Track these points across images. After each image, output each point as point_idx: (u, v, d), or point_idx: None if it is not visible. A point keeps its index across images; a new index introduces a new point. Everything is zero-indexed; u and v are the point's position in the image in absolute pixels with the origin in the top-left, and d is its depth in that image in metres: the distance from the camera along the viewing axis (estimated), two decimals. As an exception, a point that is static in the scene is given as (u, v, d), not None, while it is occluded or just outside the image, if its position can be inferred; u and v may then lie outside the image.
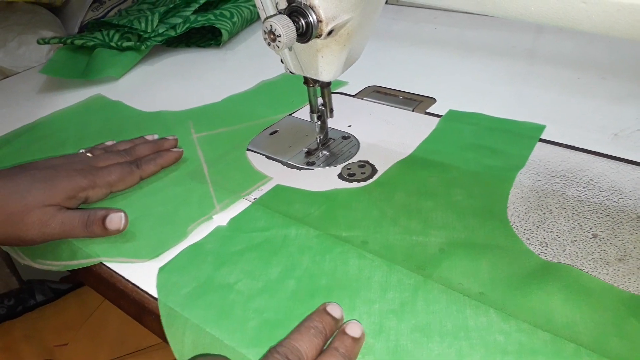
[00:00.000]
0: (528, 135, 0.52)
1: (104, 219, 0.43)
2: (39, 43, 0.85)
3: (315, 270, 0.39)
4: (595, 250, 0.38)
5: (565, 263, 0.37)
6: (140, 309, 0.39)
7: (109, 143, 0.54)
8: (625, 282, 0.35)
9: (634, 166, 0.46)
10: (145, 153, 0.52)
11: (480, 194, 0.44)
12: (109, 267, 0.42)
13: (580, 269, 0.36)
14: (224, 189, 0.49)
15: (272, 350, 0.31)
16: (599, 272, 0.36)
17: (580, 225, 0.40)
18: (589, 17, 0.28)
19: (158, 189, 0.50)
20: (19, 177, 0.43)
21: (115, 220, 0.43)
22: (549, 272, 0.36)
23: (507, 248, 0.39)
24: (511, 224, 0.41)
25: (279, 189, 0.48)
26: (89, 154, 0.50)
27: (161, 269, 0.41)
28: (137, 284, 0.40)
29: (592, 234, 0.40)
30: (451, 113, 0.57)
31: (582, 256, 0.38)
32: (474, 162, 0.49)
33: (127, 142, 0.55)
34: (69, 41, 0.82)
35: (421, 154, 0.51)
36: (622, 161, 0.47)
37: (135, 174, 0.49)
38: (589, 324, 0.32)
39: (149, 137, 0.56)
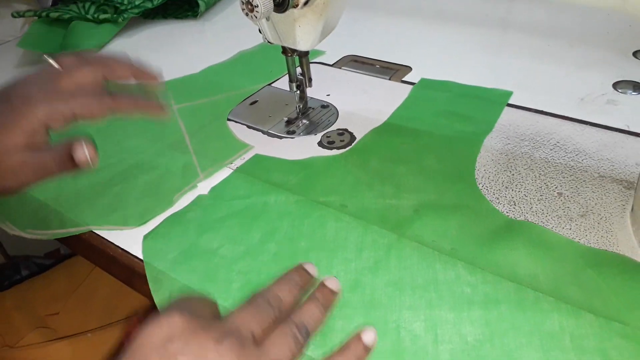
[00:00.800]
0: (496, 101, 0.54)
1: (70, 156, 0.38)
2: (13, 16, 0.84)
3: (295, 234, 0.41)
4: (559, 207, 0.41)
5: (530, 221, 0.40)
6: (130, 273, 0.41)
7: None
8: (586, 235, 0.38)
9: (598, 129, 0.49)
10: (123, 76, 0.44)
11: (450, 158, 0.47)
12: (98, 235, 0.43)
13: (544, 226, 0.39)
14: (206, 158, 0.50)
15: (254, 295, 0.32)
16: (563, 228, 0.39)
17: (547, 185, 0.43)
18: (549, -15, 0.30)
19: (142, 160, 0.51)
20: None
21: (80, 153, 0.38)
22: (513, 229, 0.38)
23: (474, 208, 0.41)
24: (479, 186, 0.43)
25: (259, 158, 0.50)
26: (56, 65, 0.42)
27: (145, 237, 0.42)
28: (127, 249, 0.41)
29: (557, 193, 0.42)
30: (423, 81, 0.59)
31: (547, 213, 0.40)
32: (445, 128, 0.51)
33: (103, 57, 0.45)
34: (44, 14, 0.81)
35: (395, 121, 0.53)
36: (587, 124, 0.49)
37: (105, 105, 0.40)
38: (549, 275, 0.35)
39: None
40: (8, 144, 0.37)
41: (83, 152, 0.38)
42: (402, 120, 0.53)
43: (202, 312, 0.30)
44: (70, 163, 0.38)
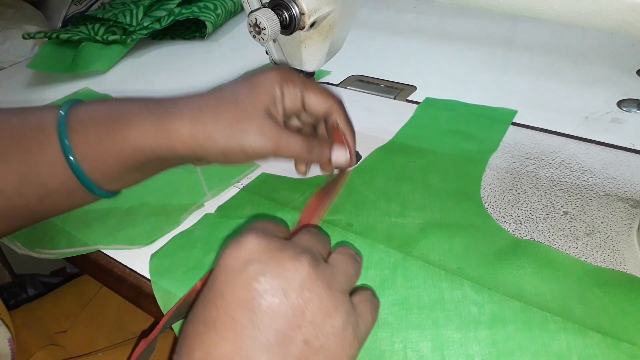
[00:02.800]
0: (501, 119, 0.54)
1: (329, 157, 0.43)
2: (24, 38, 0.86)
3: None
4: (566, 226, 0.41)
5: (536, 240, 0.40)
6: (137, 292, 0.41)
7: None
8: (593, 254, 0.38)
9: (603, 147, 0.49)
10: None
11: (455, 176, 0.47)
12: (106, 255, 0.44)
13: (551, 245, 0.39)
14: (213, 177, 0.51)
15: (305, 230, 0.33)
16: (569, 247, 0.39)
17: (552, 204, 0.43)
18: (552, 7, 0.31)
19: (150, 179, 0.52)
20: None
21: (342, 158, 0.43)
22: (519, 248, 0.38)
23: (480, 226, 0.41)
24: (485, 204, 0.43)
25: (265, 176, 0.50)
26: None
27: (153, 256, 0.42)
28: (134, 268, 0.42)
29: (563, 211, 0.42)
30: (428, 100, 0.60)
31: (553, 232, 0.40)
32: (449, 147, 0.51)
33: None
34: (54, 35, 0.83)
35: (400, 140, 0.53)
36: (592, 143, 0.50)
37: (331, 106, 0.42)
38: (556, 294, 0.35)
39: None
40: (256, 102, 0.39)
41: (343, 157, 0.43)
42: (407, 139, 0.53)
43: (275, 233, 0.31)
44: (323, 159, 0.42)
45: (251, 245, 0.29)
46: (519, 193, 0.44)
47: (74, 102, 0.41)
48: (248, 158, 0.40)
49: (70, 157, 0.38)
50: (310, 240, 0.32)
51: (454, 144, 0.51)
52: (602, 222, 0.40)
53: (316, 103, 0.41)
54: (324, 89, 0.42)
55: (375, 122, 0.57)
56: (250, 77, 0.41)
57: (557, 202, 0.43)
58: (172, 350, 0.29)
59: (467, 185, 0.46)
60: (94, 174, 0.39)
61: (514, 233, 0.40)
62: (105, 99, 0.42)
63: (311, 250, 0.30)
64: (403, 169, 0.49)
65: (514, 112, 0.55)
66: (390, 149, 0.52)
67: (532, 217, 0.42)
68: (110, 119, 0.39)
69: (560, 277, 0.36)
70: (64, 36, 0.82)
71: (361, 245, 0.41)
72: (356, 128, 0.56)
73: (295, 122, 0.45)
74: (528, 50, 0.70)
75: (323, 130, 0.45)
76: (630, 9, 0.29)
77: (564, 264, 0.37)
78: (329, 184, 0.43)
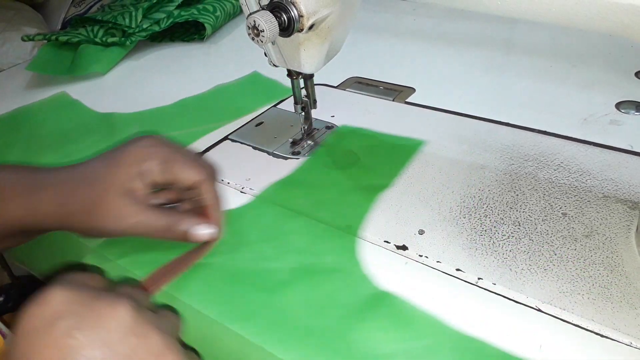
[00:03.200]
0: (406, 150, 0.52)
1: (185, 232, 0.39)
2: (23, 40, 0.86)
3: None
4: (564, 227, 0.41)
5: (535, 241, 0.40)
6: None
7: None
8: (591, 256, 0.38)
9: (602, 149, 0.49)
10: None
11: (343, 214, 0.45)
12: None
13: (549, 245, 0.39)
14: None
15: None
16: (567, 248, 0.39)
17: (551, 205, 0.43)
18: (549, 10, 0.31)
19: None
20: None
21: (202, 233, 0.40)
22: (379, 301, 0.37)
23: (347, 274, 0.39)
24: (483, 206, 0.43)
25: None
26: None
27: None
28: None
29: (562, 213, 0.42)
30: (342, 128, 0.57)
31: (552, 234, 0.40)
32: (346, 181, 0.48)
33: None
34: (53, 37, 0.83)
35: (297, 175, 0.51)
36: (590, 144, 0.50)
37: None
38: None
39: None
40: (112, 182, 0.38)
41: (202, 233, 0.39)
42: (305, 172, 0.51)
43: (86, 283, 0.29)
44: (181, 236, 0.39)
45: (58, 299, 0.26)
46: (517, 195, 0.44)
47: None
48: (108, 236, 0.40)
49: None
50: (130, 289, 0.30)
51: (352, 176, 0.49)
52: (600, 224, 0.41)
53: (183, 176, 0.40)
54: (193, 161, 0.40)
55: (374, 124, 0.57)
56: (115, 152, 0.40)
57: (555, 204, 0.43)
58: None
59: (351, 223, 0.44)
60: None
61: (512, 235, 0.40)
62: None
63: (132, 296, 0.28)
64: (295, 204, 0.47)
65: (420, 142, 0.52)
66: (287, 184, 0.50)
67: (531, 218, 0.42)
68: None
69: (413, 337, 0.34)
70: (63, 38, 0.82)
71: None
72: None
73: (166, 194, 0.43)
74: (526, 52, 0.70)
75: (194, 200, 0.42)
76: (627, 12, 0.29)
77: (424, 324, 0.35)
78: (188, 253, 0.41)
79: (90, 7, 1.08)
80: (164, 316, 0.30)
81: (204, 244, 0.41)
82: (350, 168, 0.50)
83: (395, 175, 0.48)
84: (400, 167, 0.49)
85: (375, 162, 0.51)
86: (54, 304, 0.25)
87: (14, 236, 0.41)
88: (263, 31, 0.40)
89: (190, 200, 0.42)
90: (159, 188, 0.41)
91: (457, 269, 0.38)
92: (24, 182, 0.40)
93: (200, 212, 0.41)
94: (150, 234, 0.39)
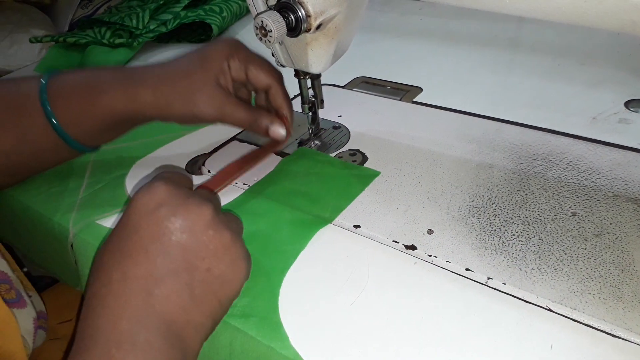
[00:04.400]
0: (359, 182, 0.49)
1: (267, 128, 0.47)
2: (31, 41, 0.86)
3: None
4: (574, 227, 0.40)
5: (545, 241, 0.39)
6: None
7: None
8: (602, 255, 0.38)
9: (611, 148, 0.48)
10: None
11: (272, 251, 0.43)
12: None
13: (559, 245, 0.39)
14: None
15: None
16: (578, 248, 0.38)
17: (561, 205, 0.43)
18: (558, 7, 0.31)
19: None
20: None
21: (278, 131, 0.47)
22: None
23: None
24: (492, 205, 0.43)
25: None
26: None
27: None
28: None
29: (572, 212, 0.42)
30: (301, 150, 0.54)
31: (562, 233, 0.40)
32: (289, 211, 0.46)
33: None
34: (61, 39, 0.83)
35: (246, 200, 0.49)
36: (599, 143, 0.49)
37: (271, 79, 0.48)
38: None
39: None
40: (205, 74, 0.45)
41: (279, 131, 0.47)
42: (254, 197, 0.49)
43: (181, 183, 0.36)
44: (262, 130, 0.47)
45: (162, 191, 0.33)
46: (526, 194, 0.44)
47: (53, 72, 0.48)
48: (200, 121, 0.46)
49: (54, 120, 0.46)
50: (208, 193, 0.38)
51: (297, 206, 0.47)
52: (610, 223, 0.40)
53: (258, 77, 0.47)
54: (267, 64, 0.48)
55: (382, 124, 0.57)
56: (201, 50, 0.47)
57: (565, 203, 0.43)
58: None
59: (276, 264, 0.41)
60: (75, 134, 0.48)
61: (522, 234, 0.40)
62: (78, 70, 0.50)
63: (212, 200, 0.36)
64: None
65: (376, 174, 0.49)
66: (236, 206, 0.48)
67: (540, 218, 0.42)
68: (86, 88, 0.46)
69: None
70: (70, 40, 0.83)
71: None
72: (362, 129, 0.56)
73: (246, 92, 0.51)
74: (534, 51, 0.70)
75: (262, 100, 0.50)
76: (637, 9, 0.29)
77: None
78: (256, 151, 0.49)
79: (98, 9, 1.08)
80: (232, 218, 0.37)
81: (269, 145, 0.49)
82: (295, 197, 0.48)
83: (341, 208, 0.45)
84: (346, 203, 0.46)
85: (323, 192, 0.48)
86: (158, 193, 0.33)
87: (116, 127, 0.49)
88: (271, 31, 0.40)
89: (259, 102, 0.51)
90: (237, 85, 0.48)
91: (467, 269, 0.38)
92: (122, 77, 0.46)
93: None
94: (236, 123, 0.46)
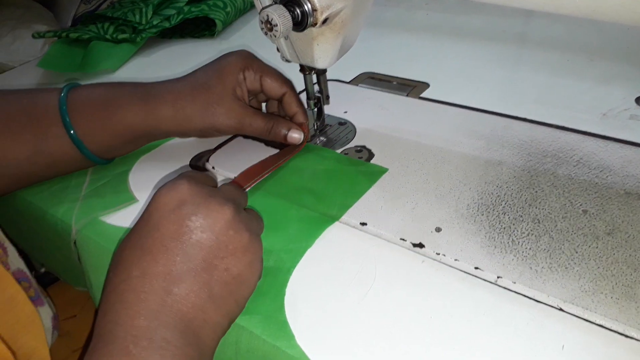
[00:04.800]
0: (366, 179, 0.48)
1: (285, 135, 0.50)
2: (34, 37, 0.86)
3: None
4: (585, 225, 0.40)
5: (555, 239, 0.39)
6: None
7: None
8: (614, 254, 0.37)
9: (622, 144, 0.48)
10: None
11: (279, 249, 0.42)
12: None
13: (570, 244, 0.38)
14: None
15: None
16: (589, 246, 0.38)
17: (571, 202, 0.42)
18: (572, 1, 0.30)
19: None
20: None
21: (295, 137, 0.50)
22: None
23: None
24: (502, 203, 0.42)
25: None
26: None
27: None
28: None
29: (583, 210, 0.41)
30: (307, 147, 0.53)
31: (572, 231, 0.39)
32: (296, 208, 0.46)
33: None
34: (64, 34, 0.83)
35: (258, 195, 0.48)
36: (610, 140, 0.48)
37: (283, 88, 0.50)
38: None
39: None
40: (224, 87, 0.47)
41: (296, 137, 0.50)
42: (260, 193, 0.48)
43: (204, 181, 0.37)
44: (280, 137, 0.50)
45: (184, 189, 0.34)
46: (536, 191, 0.43)
47: (72, 85, 0.49)
48: (219, 133, 0.49)
49: (72, 132, 0.47)
50: (234, 192, 0.38)
51: (304, 204, 0.46)
52: (622, 221, 0.39)
53: (273, 86, 0.49)
54: (279, 74, 0.50)
55: (388, 120, 0.56)
56: (216, 63, 0.49)
57: (575, 201, 0.42)
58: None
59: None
60: (93, 147, 0.48)
61: (532, 232, 0.39)
62: (97, 84, 0.50)
63: (234, 199, 0.36)
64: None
65: (383, 170, 0.48)
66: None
67: (551, 215, 0.41)
68: (105, 102, 0.48)
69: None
70: (73, 35, 0.82)
71: None
72: (368, 125, 0.55)
73: (255, 101, 0.53)
74: (542, 46, 0.69)
75: (274, 108, 0.53)
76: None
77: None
78: (276, 155, 0.50)
79: (101, 4, 1.08)
80: (253, 217, 0.38)
81: (290, 148, 0.50)
82: (302, 193, 0.47)
83: (348, 206, 0.45)
84: (355, 199, 0.45)
85: (329, 189, 0.47)
86: (181, 192, 0.34)
87: (134, 141, 0.51)
88: (276, 25, 0.40)
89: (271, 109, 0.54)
90: (251, 95, 0.51)
91: (476, 267, 0.37)
92: (141, 92, 0.48)
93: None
94: (254, 133, 0.49)
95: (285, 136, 0.49)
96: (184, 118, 0.47)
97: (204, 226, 0.33)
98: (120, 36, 0.82)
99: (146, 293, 0.31)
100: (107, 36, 0.82)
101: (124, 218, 0.47)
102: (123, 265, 0.33)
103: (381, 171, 0.48)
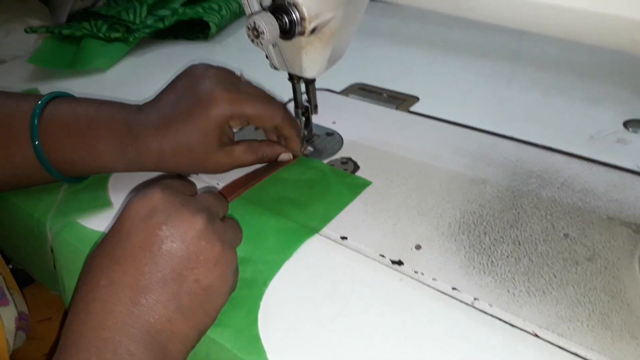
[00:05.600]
0: (349, 192, 0.47)
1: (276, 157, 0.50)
2: (26, 32, 0.85)
3: None
4: (565, 249, 0.39)
5: (535, 262, 0.38)
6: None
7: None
8: (592, 280, 0.37)
9: (607, 168, 0.47)
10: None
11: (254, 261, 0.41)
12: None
13: (549, 268, 0.38)
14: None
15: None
16: (568, 271, 0.37)
17: (553, 225, 0.42)
18: (558, 23, 0.29)
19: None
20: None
21: (285, 158, 0.51)
22: None
23: None
24: (483, 223, 0.42)
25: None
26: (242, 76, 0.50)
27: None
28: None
29: (564, 234, 0.41)
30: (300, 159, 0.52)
31: (552, 255, 0.39)
32: (274, 219, 0.45)
33: None
34: (56, 31, 0.82)
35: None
36: (596, 163, 0.48)
37: (275, 118, 0.47)
38: None
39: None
40: (207, 146, 0.45)
41: (284, 157, 0.50)
42: (241, 201, 0.47)
43: (180, 189, 0.36)
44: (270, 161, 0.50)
45: (157, 197, 0.33)
46: (519, 212, 0.43)
47: (55, 95, 0.47)
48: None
49: (42, 155, 0.45)
50: (210, 199, 0.37)
51: (284, 214, 0.45)
52: (603, 247, 0.39)
53: (262, 125, 0.48)
54: (267, 109, 0.46)
55: (375, 132, 0.56)
56: (200, 114, 0.44)
57: (557, 224, 0.42)
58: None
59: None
60: (62, 170, 0.47)
61: (512, 254, 0.39)
62: (79, 101, 0.47)
63: (209, 208, 0.35)
64: None
65: (367, 183, 0.48)
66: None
67: (532, 238, 0.40)
68: (79, 131, 0.45)
69: None
70: (66, 32, 0.81)
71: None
72: (355, 137, 0.55)
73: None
74: (534, 65, 0.69)
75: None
76: (638, 28, 0.28)
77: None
78: (265, 167, 0.50)
79: (97, 1, 1.07)
80: (230, 227, 0.37)
81: (275, 164, 0.50)
82: (282, 203, 0.47)
83: (329, 218, 0.44)
84: (338, 211, 0.45)
85: (311, 200, 0.47)
86: (153, 201, 0.33)
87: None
88: (263, 33, 0.39)
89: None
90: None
91: (454, 288, 0.37)
92: (119, 132, 0.45)
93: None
94: (245, 165, 0.48)
95: (276, 159, 0.50)
96: (169, 169, 0.47)
97: (174, 235, 0.32)
98: (113, 35, 0.81)
99: (113, 304, 0.30)
100: (100, 34, 0.81)
101: (100, 222, 0.46)
102: (92, 274, 0.32)
103: (365, 184, 0.48)
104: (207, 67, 0.47)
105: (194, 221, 0.33)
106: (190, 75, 0.46)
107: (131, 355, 0.29)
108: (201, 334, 0.34)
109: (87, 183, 0.51)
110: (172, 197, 0.34)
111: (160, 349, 0.31)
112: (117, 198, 0.49)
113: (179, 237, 0.32)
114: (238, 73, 0.50)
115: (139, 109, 0.46)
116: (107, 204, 0.48)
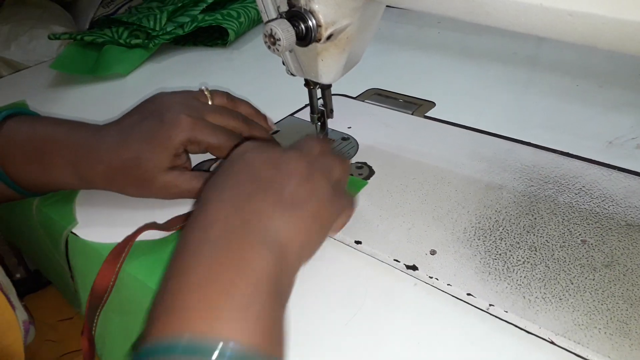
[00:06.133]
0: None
1: None
2: (49, 38, 0.87)
3: None
4: (583, 255, 0.39)
5: (552, 268, 0.38)
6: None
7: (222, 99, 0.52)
8: (610, 287, 0.36)
9: (626, 174, 0.47)
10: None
11: None
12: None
13: (567, 275, 0.37)
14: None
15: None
16: (586, 278, 0.37)
17: (570, 231, 0.41)
18: (575, 29, 0.29)
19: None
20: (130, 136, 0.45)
21: None
22: None
23: None
24: (499, 228, 0.42)
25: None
26: (207, 95, 0.50)
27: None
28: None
29: (581, 240, 0.40)
30: None
31: (570, 261, 0.38)
32: None
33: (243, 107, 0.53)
34: (79, 37, 0.84)
35: None
36: (614, 169, 0.48)
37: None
38: None
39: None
40: (157, 164, 0.44)
41: None
42: None
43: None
44: None
45: (249, 144, 0.38)
46: (535, 218, 0.43)
47: (13, 112, 0.48)
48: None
49: (2, 173, 0.46)
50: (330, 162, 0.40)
51: None
52: (622, 254, 0.39)
53: (223, 154, 0.46)
54: (228, 139, 0.46)
55: (391, 138, 0.56)
56: (157, 136, 0.44)
57: (575, 230, 0.41)
58: None
59: None
60: (23, 187, 0.47)
61: (528, 260, 0.39)
62: (34, 123, 0.47)
63: (300, 149, 0.39)
64: None
65: (363, 183, 0.49)
66: None
67: (548, 244, 0.40)
68: (34, 150, 0.46)
69: None
70: (88, 38, 0.83)
71: None
72: (371, 142, 0.55)
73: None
74: (552, 70, 0.69)
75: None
76: (658, 34, 0.28)
77: None
78: None
79: (119, 8, 1.09)
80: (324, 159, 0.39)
81: None
82: None
83: None
84: None
85: None
86: (246, 145, 0.38)
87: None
88: (279, 40, 0.40)
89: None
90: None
91: (468, 294, 0.37)
92: (76, 154, 0.45)
93: None
94: (193, 194, 0.46)
95: None
96: (119, 189, 0.46)
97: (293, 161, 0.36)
98: (134, 41, 0.82)
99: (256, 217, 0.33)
100: (121, 41, 0.83)
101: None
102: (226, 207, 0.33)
103: (361, 184, 0.48)
104: (174, 94, 0.48)
105: (283, 154, 0.37)
106: (156, 101, 0.47)
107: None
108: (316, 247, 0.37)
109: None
110: (261, 142, 0.39)
111: (284, 259, 0.32)
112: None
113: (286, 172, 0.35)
114: (202, 87, 0.50)
115: (100, 128, 0.47)
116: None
